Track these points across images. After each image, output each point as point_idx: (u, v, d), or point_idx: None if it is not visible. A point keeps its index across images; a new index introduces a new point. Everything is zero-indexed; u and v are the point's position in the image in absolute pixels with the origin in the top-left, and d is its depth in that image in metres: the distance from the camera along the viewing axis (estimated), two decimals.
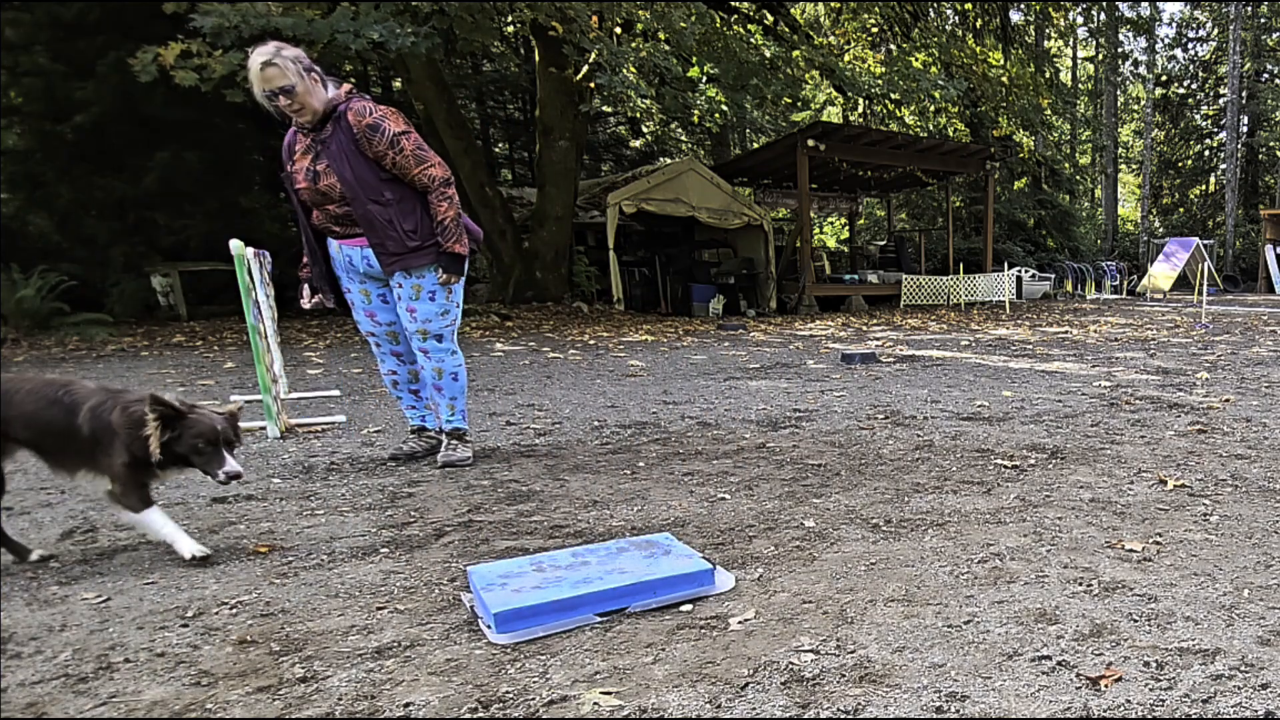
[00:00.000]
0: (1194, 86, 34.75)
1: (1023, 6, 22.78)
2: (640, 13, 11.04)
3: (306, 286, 3.51)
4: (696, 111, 12.52)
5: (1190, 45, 34.37)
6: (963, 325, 12.31)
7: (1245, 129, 30.46)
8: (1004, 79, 17.50)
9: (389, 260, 3.33)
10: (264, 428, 4.39)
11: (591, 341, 9.52)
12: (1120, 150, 34.34)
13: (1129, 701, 1.67)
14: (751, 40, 13.69)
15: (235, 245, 4.13)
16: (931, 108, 17.81)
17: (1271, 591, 2.21)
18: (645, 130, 23.86)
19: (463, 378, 3.65)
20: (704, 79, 12.20)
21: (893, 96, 14.96)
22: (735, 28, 14.31)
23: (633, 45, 10.77)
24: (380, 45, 9.15)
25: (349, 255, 3.41)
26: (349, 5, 9.12)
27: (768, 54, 13.13)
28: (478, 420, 4.77)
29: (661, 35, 11.58)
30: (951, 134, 20.89)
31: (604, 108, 19.64)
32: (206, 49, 8.87)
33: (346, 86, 3.28)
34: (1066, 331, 10.95)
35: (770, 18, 15.92)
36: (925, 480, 3.38)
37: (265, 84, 3.04)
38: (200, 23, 8.42)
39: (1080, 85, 30.66)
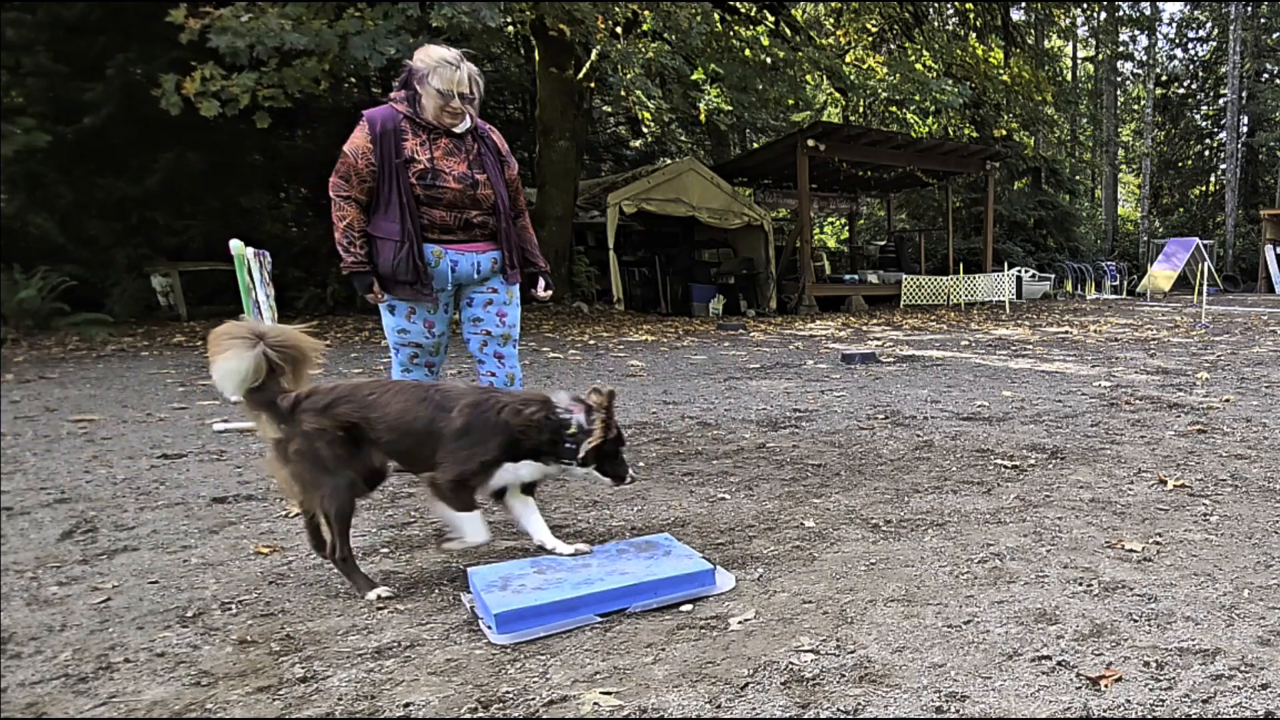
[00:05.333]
0: (1194, 86, 34.75)
1: (1023, 5, 22.79)
2: (645, 13, 11.05)
3: (377, 281, 3.28)
4: (703, 108, 12.53)
5: (1190, 45, 34.38)
6: (963, 325, 12.31)
7: (1245, 129, 30.45)
8: (1005, 78, 17.50)
9: (512, 272, 3.49)
10: None
11: (591, 341, 9.53)
12: (1120, 150, 34.34)
13: (1129, 701, 1.67)
14: (759, 43, 13.70)
15: (235, 245, 4.14)
16: (932, 108, 17.82)
17: (1271, 591, 2.21)
18: (645, 130, 23.87)
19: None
20: (708, 80, 12.21)
21: (896, 98, 14.97)
22: (740, 29, 14.31)
23: (639, 45, 10.78)
24: (396, 62, 9.15)
25: (455, 261, 3.35)
26: (355, 13, 9.11)
27: (780, 54, 13.14)
28: None
29: (666, 36, 11.59)
30: (952, 133, 20.91)
31: (604, 108, 19.64)
32: (220, 73, 8.87)
33: None
34: (1066, 332, 10.95)
35: (771, 18, 15.92)
36: (925, 480, 3.37)
37: (462, 85, 3.14)
38: (215, 41, 8.39)
39: (1081, 85, 30.63)
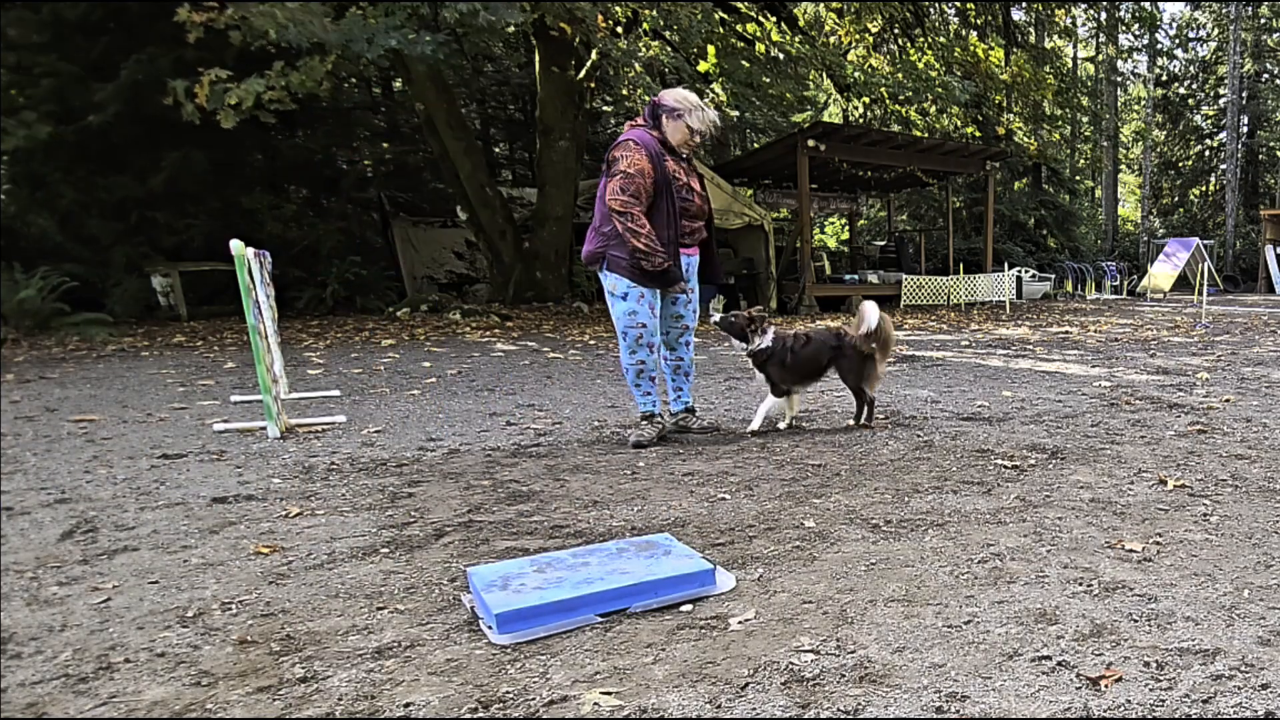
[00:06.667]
0: (1194, 86, 34.76)
1: (1024, 5, 22.78)
2: (646, 11, 11.05)
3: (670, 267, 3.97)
4: (710, 104, 12.57)
5: (1190, 45, 34.38)
6: (963, 325, 12.31)
7: (1245, 129, 30.46)
8: (1005, 77, 17.50)
9: (715, 274, 4.40)
10: (264, 428, 4.39)
11: (591, 341, 9.53)
12: (1120, 150, 34.34)
13: (1129, 701, 1.67)
14: (769, 38, 13.70)
15: (235, 245, 4.13)
16: (933, 109, 17.82)
17: (1271, 591, 2.21)
18: None
19: None
20: (717, 76, 12.21)
21: (900, 97, 14.96)
22: (741, 28, 14.32)
23: (640, 45, 10.80)
24: (395, 52, 9.16)
25: (689, 263, 4.19)
26: (358, 12, 9.11)
27: (792, 51, 13.14)
28: (477, 421, 4.78)
29: (668, 35, 11.59)
30: (954, 133, 20.92)
31: (604, 108, 19.64)
32: (225, 74, 8.89)
33: None
34: (1067, 331, 10.95)
35: (772, 18, 15.92)
36: (925, 480, 3.37)
37: (711, 127, 4.03)
38: (259, 23, 8.40)
39: (1081, 85, 30.66)
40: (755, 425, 4.37)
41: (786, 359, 4.27)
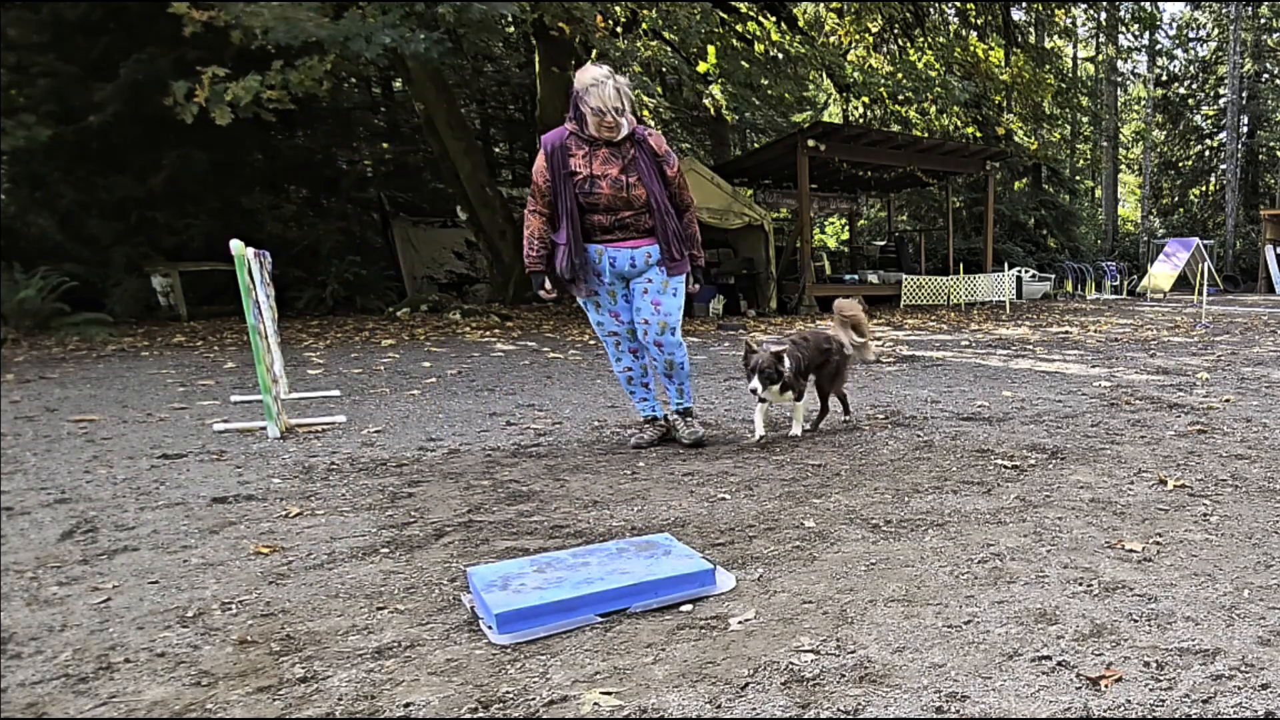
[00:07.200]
0: (1194, 86, 34.76)
1: (1024, 5, 22.79)
2: (645, 11, 11.07)
3: (547, 279, 3.83)
4: (710, 105, 12.56)
5: (1190, 45, 34.38)
6: (963, 325, 12.31)
7: (1245, 129, 30.47)
8: (1005, 77, 17.51)
9: (671, 264, 3.92)
10: (264, 428, 4.39)
11: (591, 341, 9.52)
12: (1120, 150, 34.36)
13: (1129, 701, 1.67)
14: (769, 37, 13.72)
15: (235, 245, 4.13)
16: (933, 109, 17.85)
17: (1271, 591, 2.21)
18: None
19: (688, 363, 4.14)
20: (717, 77, 12.23)
21: (900, 97, 14.98)
22: (741, 27, 14.33)
23: (639, 44, 10.82)
24: (393, 51, 9.18)
25: (613, 257, 3.82)
26: (357, 10, 9.13)
27: (793, 50, 13.17)
28: (477, 421, 4.78)
29: (666, 35, 11.60)
30: (953, 132, 20.95)
31: None
32: (224, 71, 8.91)
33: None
34: (1067, 331, 10.95)
35: (771, 18, 15.92)
36: (925, 480, 3.37)
37: (612, 100, 3.53)
38: (249, 23, 8.41)
39: (1082, 83, 30.66)
40: (798, 430, 4.35)
41: (801, 366, 4.31)
